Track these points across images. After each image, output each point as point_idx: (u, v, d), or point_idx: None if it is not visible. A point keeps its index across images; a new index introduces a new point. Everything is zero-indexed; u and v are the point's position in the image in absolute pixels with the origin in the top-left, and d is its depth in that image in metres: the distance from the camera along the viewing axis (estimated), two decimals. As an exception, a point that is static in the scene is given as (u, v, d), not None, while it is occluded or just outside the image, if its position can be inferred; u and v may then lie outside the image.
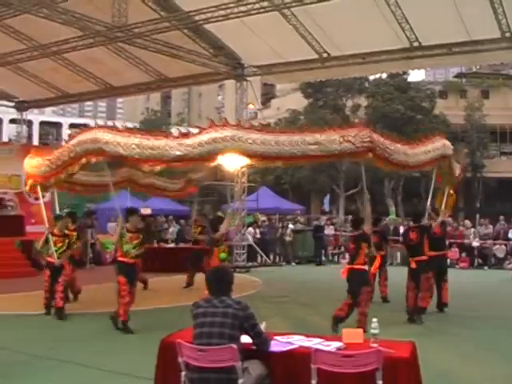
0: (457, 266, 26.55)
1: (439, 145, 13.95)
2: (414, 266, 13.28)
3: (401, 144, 12.63)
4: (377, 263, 15.82)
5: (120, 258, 12.25)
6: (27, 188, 14.97)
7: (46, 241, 13.69)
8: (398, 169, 14.22)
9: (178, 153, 11.72)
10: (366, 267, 12.05)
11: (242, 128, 11.86)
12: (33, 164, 13.96)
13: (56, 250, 13.78)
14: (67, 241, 14.16)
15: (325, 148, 11.46)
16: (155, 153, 11.82)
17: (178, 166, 12.78)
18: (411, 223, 14.70)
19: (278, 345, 6.13)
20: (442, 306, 14.44)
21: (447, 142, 14.32)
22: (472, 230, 28.50)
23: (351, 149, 11.41)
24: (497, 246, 27.72)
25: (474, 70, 61.82)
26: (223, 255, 11.81)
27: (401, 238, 14.84)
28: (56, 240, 13.95)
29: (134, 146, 11.83)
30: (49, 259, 13.92)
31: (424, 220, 13.84)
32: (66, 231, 14.61)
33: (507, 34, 19.06)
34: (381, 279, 16.17)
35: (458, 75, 65.86)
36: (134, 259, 12.28)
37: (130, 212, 12.89)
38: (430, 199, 14.54)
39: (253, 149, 11.37)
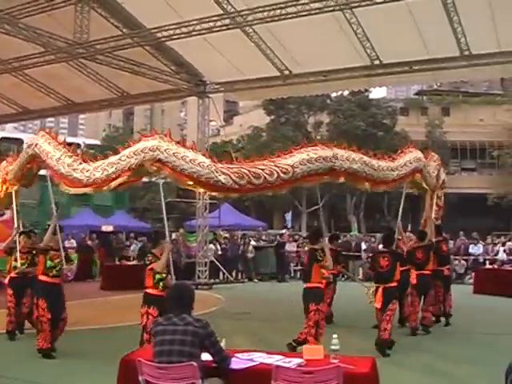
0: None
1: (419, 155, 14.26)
2: (447, 272, 15.52)
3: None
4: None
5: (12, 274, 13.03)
6: None
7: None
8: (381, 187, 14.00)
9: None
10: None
11: None
12: None
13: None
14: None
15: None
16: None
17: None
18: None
19: (239, 362, 6.13)
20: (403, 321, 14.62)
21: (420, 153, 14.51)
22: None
23: None
24: (457, 262, 27.96)
25: (435, 87, 62.63)
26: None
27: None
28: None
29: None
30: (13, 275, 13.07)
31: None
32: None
33: (466, 53, 19.31)
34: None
35: (419, 92, 66.81)
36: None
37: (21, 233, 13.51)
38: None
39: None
